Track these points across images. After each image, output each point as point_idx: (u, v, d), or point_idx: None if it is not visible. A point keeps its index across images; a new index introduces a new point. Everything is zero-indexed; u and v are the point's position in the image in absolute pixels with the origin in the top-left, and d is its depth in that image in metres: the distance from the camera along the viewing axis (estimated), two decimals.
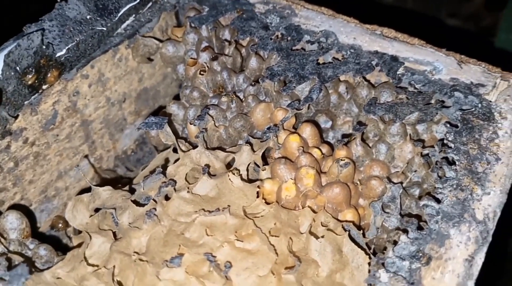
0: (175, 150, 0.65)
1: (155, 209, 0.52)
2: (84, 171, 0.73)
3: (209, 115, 0.61)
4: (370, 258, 0.50)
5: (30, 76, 0.57)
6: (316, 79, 0.63)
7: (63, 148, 0.69)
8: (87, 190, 0.62)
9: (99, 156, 0.75)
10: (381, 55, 0.64)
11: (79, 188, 0.74)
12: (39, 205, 0.69)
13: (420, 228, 0.48)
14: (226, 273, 0.47)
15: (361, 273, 0.50)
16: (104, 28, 0.64)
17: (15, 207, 0.62)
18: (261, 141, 0.61)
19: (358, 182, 0.58)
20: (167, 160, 0.66)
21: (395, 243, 0.48)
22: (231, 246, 0.49)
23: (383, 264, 0.46)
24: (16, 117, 0.59)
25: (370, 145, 0.59)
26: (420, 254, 0.46)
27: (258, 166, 0.59)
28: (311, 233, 0.51)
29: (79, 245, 0.55)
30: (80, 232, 0.61)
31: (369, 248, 0.53)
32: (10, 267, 0.48)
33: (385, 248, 0.50)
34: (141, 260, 0.49)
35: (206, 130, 0.60)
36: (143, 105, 0.78)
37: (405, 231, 0.48)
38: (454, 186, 0.51)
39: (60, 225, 0.71)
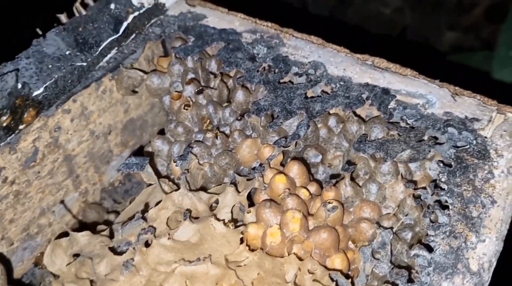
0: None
1: (132, 259, 0.50)
2: (69, 206, 0.70)
3: (192, 153, 0.59)
4: None
5: (5, 118, 0.55)
6: (304, 114, 0.60)
7: (45, 185, 0.67)
8: (67, 232, 0.60)
9: (84, 190, 0.73)
10: (372, 88, 0.62)
11: (64, 224, 0.71)
12: (21, 243, 0.67)
13: (410, 280, 0.45)
14: None
15: None
16: (84, 63, 0.62)
17: None
18: (247, 179, 0.59)
19: (348, 225, 0.55)
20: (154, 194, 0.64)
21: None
22: None
23: None
24: None
25: (360, 184, 0.57)
26: None
27: (244, 206, 0.56)
28: (295, 284, 0.48)
29: None
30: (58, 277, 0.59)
31: None
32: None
33: None
34: None
35: (188, 171, 0.57)
36: (130, 135, 0.76)
37: (395, 285, 0.46)
38: (447, 233, 0.49)
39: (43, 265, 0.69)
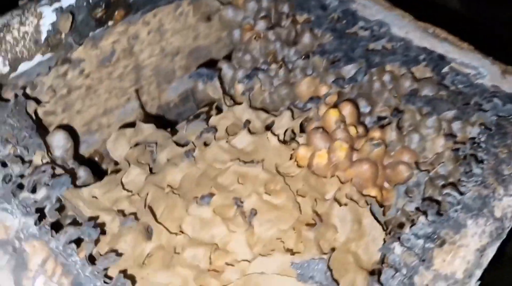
0: (217, 109, 0.69)
1: (193, 150, 0.55)
2: (128, 112, 0.76)
3: (258, 77, 0.64)
4: (386, 234, 0.53)
5: (99, 10, 0.61)
6: (363, 63, 0.65)
7: (113, 87, 0.73)
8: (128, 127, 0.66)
9: (144, 102, 0.79)
10: (429, 52, 0.66)
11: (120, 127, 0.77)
12: (81, 136, 0.73)
13: (439, 213, 0.50)
14: (250, 219, 0.50)
15: (376, 247, 0.53)
16: None
17: (63, 127, 0.66)
18: (301, 111, 0.64)
19: (386, 166, 0.60)
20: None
21: (413, 222, 0.51)
22: (258, 197, 0.52)
23: (398, 238, 0.48)
24: (80, 45, 0.63)
25: (404, 133, 0.62)
26: (435, 236, 0.48)
27: (294, 133, 0.62)
28: (335, 200, 0.53)
29: (117, 171, 0.59)
30: (117, 165, 0.65)
31: (386, 227, 0.55)
32: (54, 176, 0.52)
33: (402, 225, 0.52)
34: (173, 193, 0.52)
35: (253, 89, 0.63)
36: (194, 62, 0.82)
37: (425, 213, 0.51)
38: (478, 182, 0.53)
39: (97, 159, 0.75)
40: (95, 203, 0.55)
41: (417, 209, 0.52)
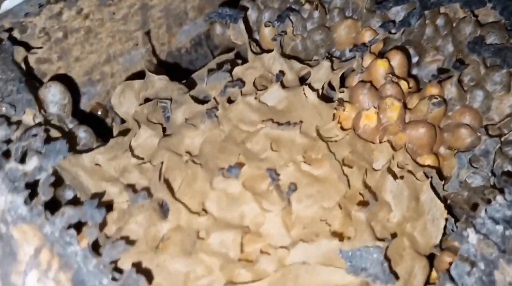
0: (237, 56, 0.58)
1: (216, 108, 0.46)
2: (135, 59, 0.66)
3: (289, 19, 0.53)
4: (447, 214, 0.44)
5: None
6: (417, 4, 0.54)
7: (116, 30, 0.62)
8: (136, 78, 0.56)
9: (151, 48, 0.68)
10: None
11: (125, 77, 0.67)
12: (81, 87, 0.63)
13: None
14: (289, 195, 0.41)
15: (435, 228, 0.44)
16: None
17: (59, 78, 0.56)
18: (339, 62, 0.54)
19: (444, 128, 0.50)
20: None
21: (488, 202, 0.42)
22: (296, 167, 0.43)
23: (472, 223, 0.39)
24: None
25: (465, 89, 0.52)
26: None
27: (333, 88, 0.52)
28: (388, 171, 0.44)
29: (124, 133, 0.49)
30: (122, 122, 0.56)
31: (445, 204, 0.46)
32: (48, 140, 0.42)
33: (476, 206, 0.43)
34: (193, 162, 0.43)
35: (286, 33, 0.52)
36: (208, 2, 0.70)
37: (501, 191, 0.41)
38: None
39: (100, 113, 0.66)
40: (98, 172, 0.46)
41: (493, 186, 0.43)
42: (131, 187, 0.42)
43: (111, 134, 0.53)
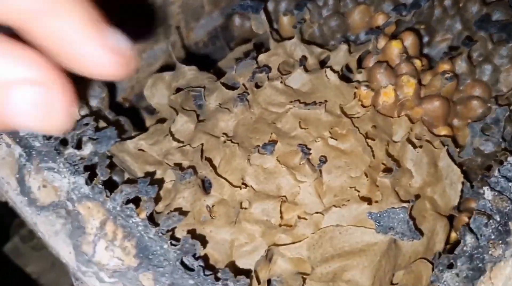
0: (256, 47, 0.62)
1: (247, 93, 0.50)
2: (158, 55, 0.70)
3: (307, 8, 0.57)
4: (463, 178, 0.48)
5: None
6: None
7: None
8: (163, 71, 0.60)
9: (172, 43, 0.72)
10: None
11: (148, 73, 0.71)
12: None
13: None
14: (319, 167, 0.45)
15: (453, 191, 0.48)
16: None
17: None
18: (355, 45, 0.58)
19: (456, 102, 0.54)
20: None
21: (501, 163, 0.46)
22: (324, 142, 0.47)
23: (487, 182, 0.43)
24: None
25: (474, 64, 0.56)
26: None
27: (350, 70, 0.56)
28: (408, 142, 0.48)
29: (162, 121, 0.53)
30: (154, 112, 0.60)
31: (461, 168, 0.50)
32: (98, 129, 0.46)
33: (490, 167, 0.47)
34: (231, 142, 0.47)
35: (305, 21, 0.56)
36: None
37: None
38: None
39: (127, 107, 0.70)
40: (142, 156, 0.50)
41: (504, 149, 0.47)
42: (178, 166, 0.47)
43: (142, 126, 0.57)
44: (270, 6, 0.62)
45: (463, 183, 0.48)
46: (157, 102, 0.57)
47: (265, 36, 0.59)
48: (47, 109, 0.26)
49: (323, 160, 0.46)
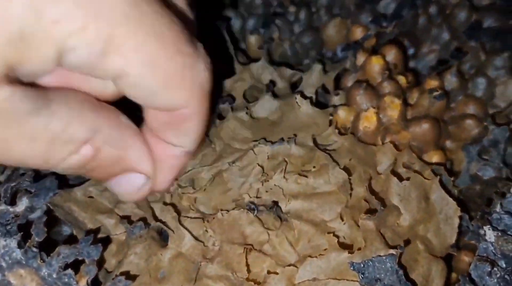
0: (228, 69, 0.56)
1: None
2: None
3: (275, 24, 0.51)
4: (461, 211, 0.42)
5: None
6: None
7: None
8: None
9: None
10: None
11: None
12: None
13: None
14: (287, 212, 0.39)
15: (449, 227, 0.42)
16: None
17: None
18: (332, 63, 0.52)
19: (447, 121, 0.48)
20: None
21: (503, 195, 0.39)
22: (294, 181, 0.41)
23: (488, 219, 0.37)
24: None
25: (466, 78, 0.49)
26: None
27: (327, 91, 0.50)
28: (393, 173, 0.42)
29: None
30: None
31: (458, 200, 0.44)
32: (37, 178, 0.41)
33: (490, 200, 0.40)
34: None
35: (273, 41, 0.50)
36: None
37: None
38: None
39: None
40: (92, 204, 0.44)
41: (506, 178, 0.41)
42: (127, 219, 0.40)
43: None
44: (237, 24, 0.56)
45: (460, 217, 0.42)
46: None
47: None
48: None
49: (293, 202, 0.39)
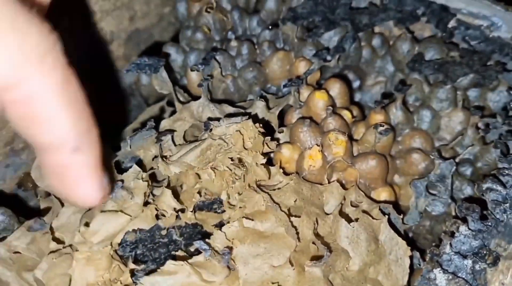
0: (170, 103, 0.54)
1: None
2: None
3: (216, 60, 0.49)
4: (411, 250, 0.40)
5: None
6: (349, 27, 0.51)
7: None
8: None
9: None
10: (428, 4, 0.53)
11: None
12: (3, 159, 0.57)
13: (483, 217, 0.38)
14: (226, 262, 0.36)
15: (400, 268, 0.40)
16: None
17: None
18: (276, 98, 0.50)
19: (395, 156, 0.47)
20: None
21: (452, 234, 0.38)
22: (239, 224, 0.38)
23: (437, 261, 0.35)
24: None
25: (411, 110, 0.49)
26: (485, 252, 0.36)
27: (272, 129, 0.48)
28: (340, 214, 0.40)
29: (46, 211, 0.44)
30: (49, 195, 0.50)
31: (407, 238, 0.42)
32: None
33: (440, 241, 0.39)
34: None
35: (212, 77, 0.48)
36: (134, 49, 0.66)
37: (464, 220, 0.38)
38: None
39: (29, 183, 0.60)
40: (19, 261, 0.40)
41: (455, 216, 0.39)
42: None
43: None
44: (178, 59, 0.54)
45: (411, 256, 0.40)
46: (47, 185, 0.47)
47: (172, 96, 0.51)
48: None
49: (236, 249, 0.37)
